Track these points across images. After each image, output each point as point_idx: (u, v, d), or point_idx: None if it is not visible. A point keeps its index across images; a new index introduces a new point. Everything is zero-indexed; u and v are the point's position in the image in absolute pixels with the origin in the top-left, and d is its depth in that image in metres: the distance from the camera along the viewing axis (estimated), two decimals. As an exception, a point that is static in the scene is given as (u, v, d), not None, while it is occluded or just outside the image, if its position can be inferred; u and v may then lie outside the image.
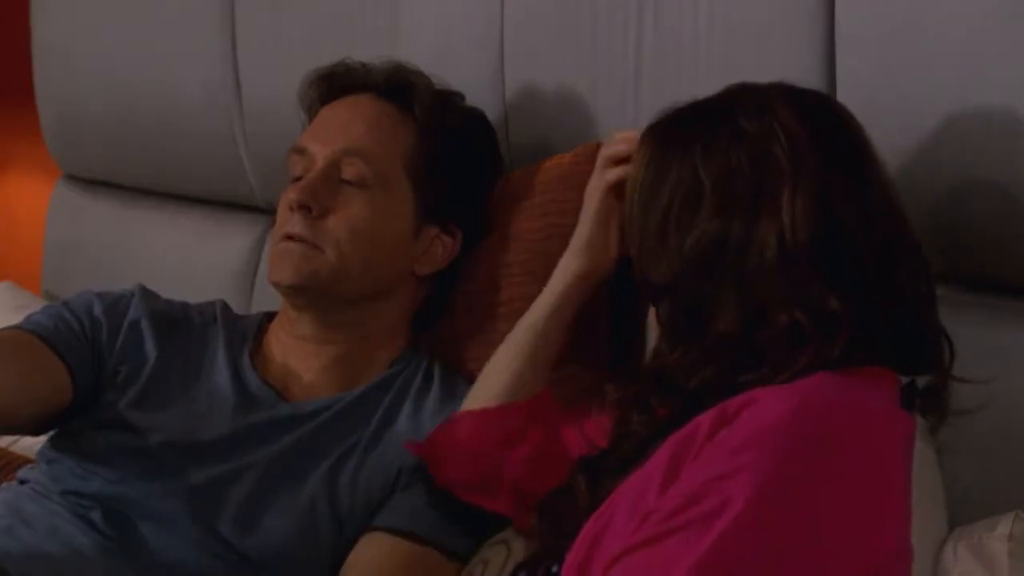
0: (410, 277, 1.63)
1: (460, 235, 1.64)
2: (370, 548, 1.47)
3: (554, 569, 1.24)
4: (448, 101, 1.66)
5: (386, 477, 1.51)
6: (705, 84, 1.53)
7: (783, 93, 1.26)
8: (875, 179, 1.23)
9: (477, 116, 1.70)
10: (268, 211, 2.12)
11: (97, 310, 1.61)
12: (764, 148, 1.20)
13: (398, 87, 1.64)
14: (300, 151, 1.61)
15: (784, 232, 1.17)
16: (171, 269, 2.10)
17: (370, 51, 1.85)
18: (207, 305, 1.69)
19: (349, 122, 1.61)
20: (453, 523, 1.47)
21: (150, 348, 1.59)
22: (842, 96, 1.50)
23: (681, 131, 1.27)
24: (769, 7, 1.55)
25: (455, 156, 1.63)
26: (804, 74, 1.51)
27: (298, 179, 1.60)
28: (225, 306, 1.70)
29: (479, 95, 1.71)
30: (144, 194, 2.29)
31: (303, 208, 1.55)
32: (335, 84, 1.67)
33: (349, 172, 1.57)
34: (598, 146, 1.66)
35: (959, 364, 1.34)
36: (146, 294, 1.66)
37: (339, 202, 1.56)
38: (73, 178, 2.38)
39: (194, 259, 2.14)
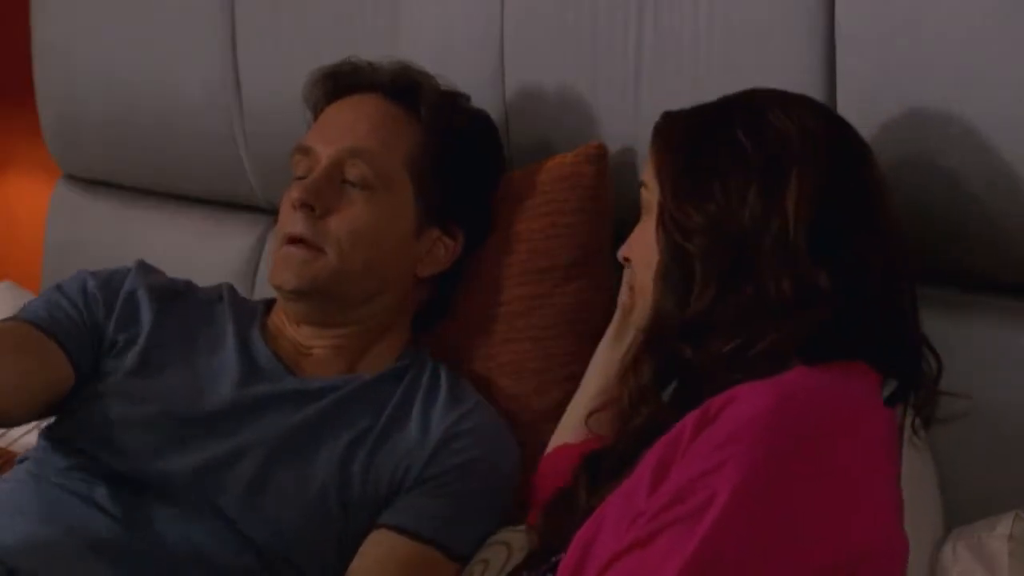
0: (412, 278, 1.63)
1: (462, 237, 1.64)
2: (376, 548, 1.47)
3: None
4: (454, 102, 1.66)
5: (393, 474, 1.50)
6: (705, 84, 1.54)
7: (807, 101, 1.31)
8: (878, 187, 1.27)
9: (482, 118, 1.70)
10: (268, 211, 2.12)
11: (91, 286, 1.60)
12: (782, 133, 1.24)
13: (404, 87, 1.64)
14: (304, 150, 1.61)
15: (788, 213, 1.20)
16: (171, 269, 2.08)
17: (370, 51, 1.85)
18: (213, 287, 1.70)
19: (354, 122, 1.61)
20: (458, 525, 1.48)
21: (146, 316, 1.59)
22: (842, 96, 1.50)
23: (716, 111, 1.31)
24: (769, 7, 1.55)
25: (459, 158, 1.63)
26: (804, 74, 1.51)
27: (301, 178, 1.60)
28: (232, 288, 1.70)
29: (479, 95, 1.71)
30: (144, 194, 2.29)
31: (306, 207, 1.55)
32: (340, 83, 1.67)
33: (352, 172, 1.57)
34: (599, 146, 1.66)
35: (959, 363, 1.34)
36: (143, 267, 1.66)
37: (342, 202, 1.56)
38: (73, 178, 2.38)
39: (194, 259, 2.14)
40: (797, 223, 1.20)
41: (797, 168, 1.22)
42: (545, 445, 1.53)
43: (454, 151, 1.62)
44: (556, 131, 1.73)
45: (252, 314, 1.65)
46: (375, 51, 1.84)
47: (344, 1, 1.93)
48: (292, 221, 1.57)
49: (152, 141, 2.20)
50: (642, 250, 1.31)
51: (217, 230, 2.17)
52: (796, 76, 1.51)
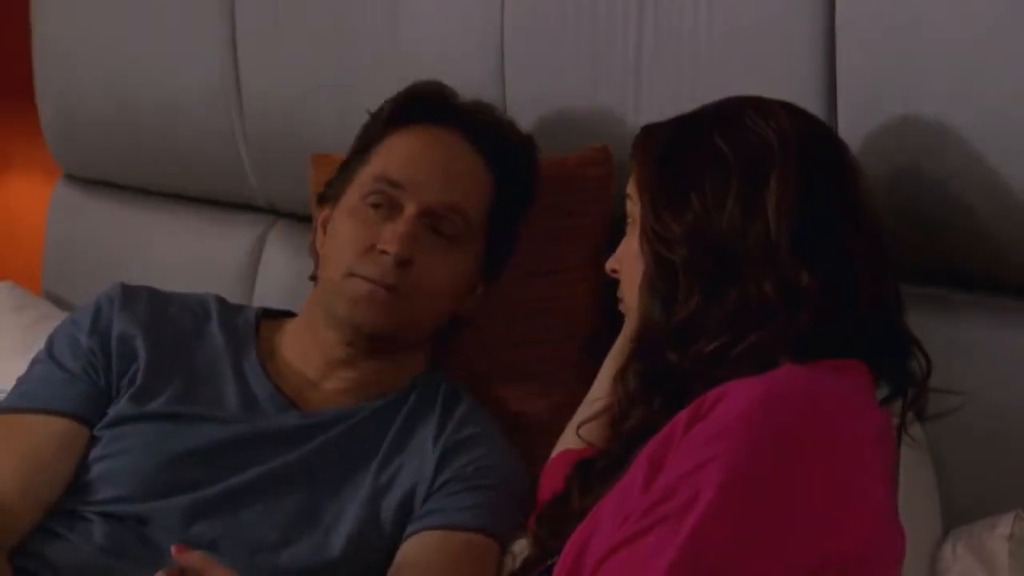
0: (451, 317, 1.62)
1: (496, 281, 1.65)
2: (420, 548, 1.46)
3: None
4: (526, 153, 1.64)
5: (402, 498, 1.50)
6: (705, 84, 1.54)
7: (784, 104, 1.31)
8: (857, 186, 1.28)
9: (535, 160, 1.66)
10: (268, 211, 2.12)
11: (84, 341, 1.56)
12: (761, 137, 1.25)
13: (489, 136, 1.60)
14: (392, 183, 1.55)
15: (768, 216, 1.21)
16: (171, 269, 2.10)
17: (370, 51, 1.86)
18: (197, 298, 1.66)
19: (449, 170, 1.57)
20: (492, 510, 1.48)
21: (141, 355, 1.56)
22: (842, 95, 1.50)
23: (693, 121, 1.32)
24: (769, 7, 1.55)
25: (522, 212, 1.64)
26: (804, 73, 1.51)
27: (375, 205, 1.54)
28: (220, 302, 1.66)
29: (479, 96, 1.71)
30: (144, 194, 2.29)
31: (404, 262, 1.51)
32: (420, 108, 1.62)
33: (448, 227, 1.54)
34: (603, 148, 1.66)
35: (958, 363, 1.34)
36: (126, 295, 1.61)
37: (428, 253, 1.53)
38: (73, 178, 2.38)
39: (194, 259, 2.14)
40: (778, 225, 1.21)
41: (776, 171, 1.22)
42: (544, 448, 1.53)
43: (522, 204, 1.63)
44: (556, 132, 1.73)
45: (246, 339, 1.61)
46: (375, 51, 1.85)
47: (344, 1, 1.93)
48: (380, 267, 1.51)
49: (152, 141, 2.20)
50: (628, 262, 1.32)
51: (217, 230, 2.17)
52: (796, 76, 1.51)
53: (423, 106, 1.62)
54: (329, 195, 1.63)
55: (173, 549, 1.25)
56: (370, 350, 1.56)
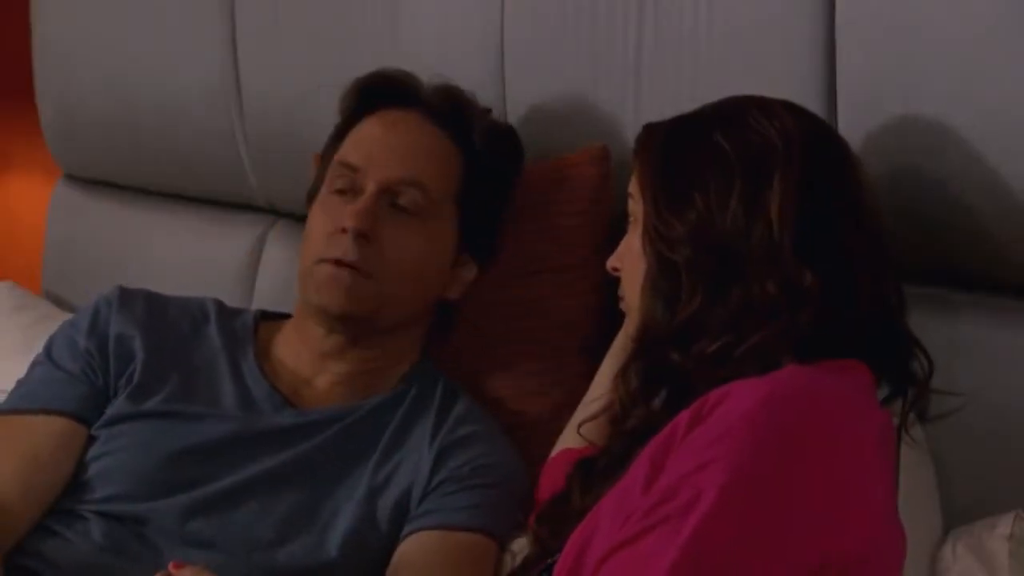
0: (437, 300, 1.63)
1: (484, 257, 1.64)
2: (417, 548, 1.46)
3: None
4: (497, 132, 1.65)
5: (399, 496, 1.50)
6: (705, 84, 1.54)
7: (786, 104, 1.31)
8: (859, 186, 1.28)
9: (519, 147, 1.68)
10: (268, 211, 2.12)
11: (82, 343, 1.58)
12: (764, 137, 1.25)
13: (450, 111, 1.62)
14: (350, 167, 1.58)
15: (771, 216, 1.21)
16: (171, 269, 2.10)
17: (370, 51, 1.86)
18: (197, 301, 1.67)
19: (407, 147, 1.59)
20: (488, 509, 1.49)
21: (139, 355, 1.57)
22: (842, 95, 1.50)
23: (695, 119, 1.32)
24: (769, 7, 1.55)
25: (497, 190, 1.64)
26: (804, 73, 1.51)
27: (340, 192, 1.57)
28: (219, 305, 1.67)
29: (479, 95, 1.71)
30: (144, 194, 2.29)
31: (363, 236, 1.53)
32: (380, 94, 1.64)
33: (405, 200, 1.55)
34: (602, 147, 1.66)
35: (958, 363, 1.34)
36: (124, 297, 1.63)
37: (391, 228, 1.54)
38: (73, 178, 2.38)
39: (194, 259, 2.14)
40: (781, 225, 1.21)
41: (779, 171, 1.23)
42: (544, 447, 1.53)
43: (495, 180, 1.63)
44: (556, 132, 1.73)
45: (243, 340, 1.62)
46: (375, 51, 1.85)
47: (344, 1, 1.93)
48: (342, 246, 1.53)
49: (152, 141, 2.20)
50: (630, 261, 1.32)
51: (217, 230, 2.17)
52: (796, 76, 1.51)
53: (383, 91, 1.64)
54: (312, 193, 1.65)
55: (171, 566, 1.27)
56: (353, 338, 1.57)
